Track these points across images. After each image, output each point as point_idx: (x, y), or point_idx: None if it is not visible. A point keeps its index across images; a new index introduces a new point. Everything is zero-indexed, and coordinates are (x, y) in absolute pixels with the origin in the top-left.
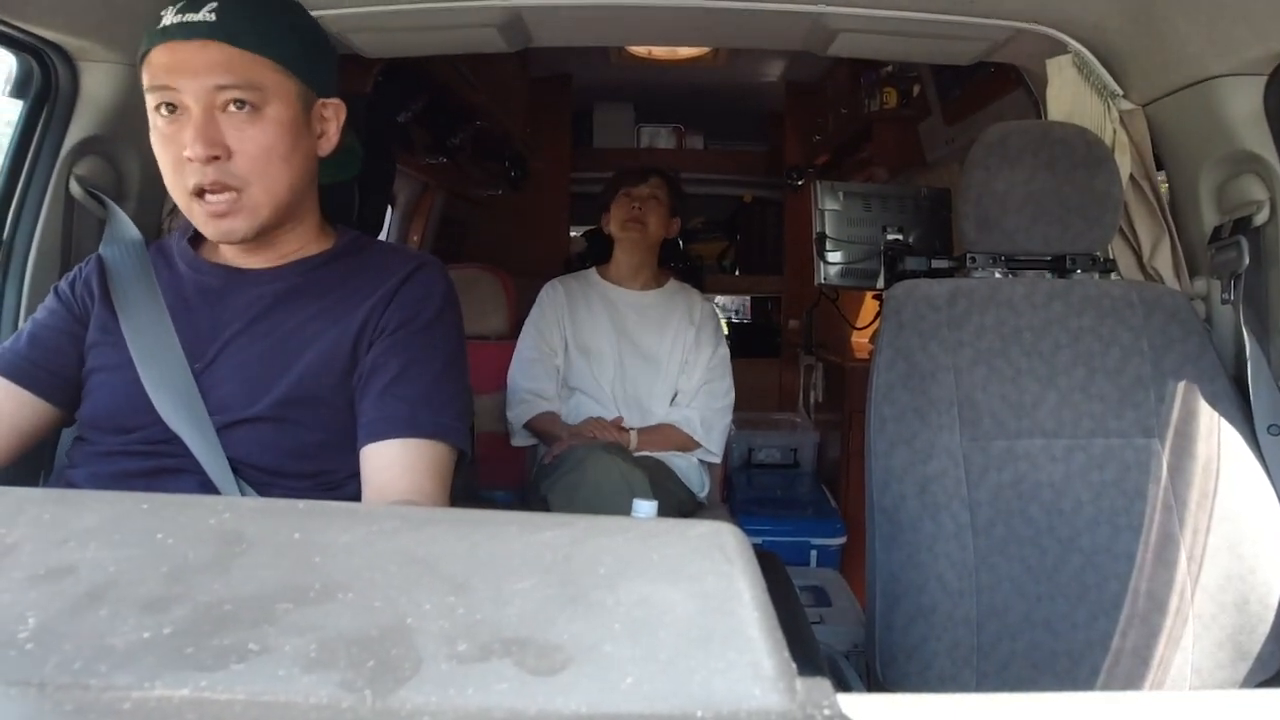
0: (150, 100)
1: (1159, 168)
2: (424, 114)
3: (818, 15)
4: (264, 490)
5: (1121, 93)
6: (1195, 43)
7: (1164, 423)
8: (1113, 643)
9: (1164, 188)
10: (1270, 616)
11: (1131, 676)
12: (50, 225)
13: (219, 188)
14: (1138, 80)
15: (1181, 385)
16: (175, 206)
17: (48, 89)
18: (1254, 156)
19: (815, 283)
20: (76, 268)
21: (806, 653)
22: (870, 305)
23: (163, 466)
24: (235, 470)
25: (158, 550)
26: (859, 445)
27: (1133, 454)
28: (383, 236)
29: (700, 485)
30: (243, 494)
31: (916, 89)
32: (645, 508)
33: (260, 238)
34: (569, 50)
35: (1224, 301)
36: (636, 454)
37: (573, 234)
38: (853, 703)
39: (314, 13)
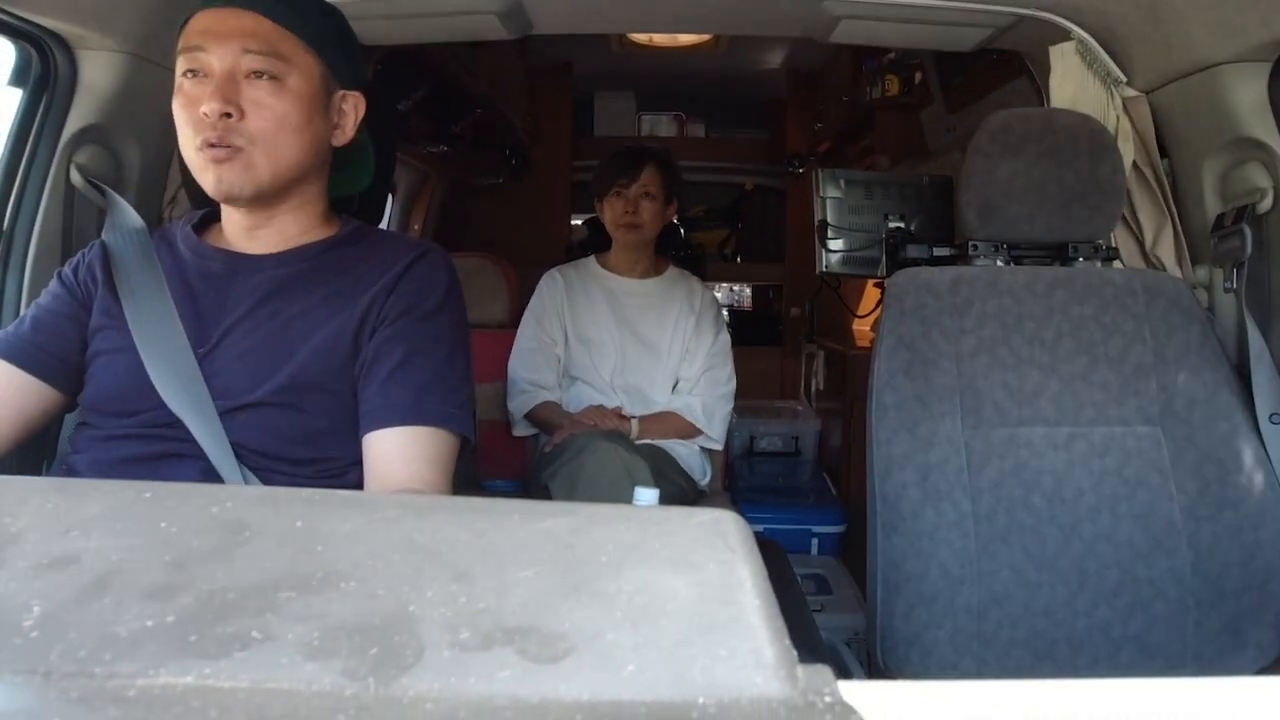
0: (180, 64)
1: (1162, 155)
2: (424, 102)
3: (820, 2)
4: (266, 476)
5: (1125, 80)
6: (1199, 29)
7: (1166, 411)
8: (1114, 630)
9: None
10: (1270, 603)
11: (1132, 663)
12: (50, 215)
13: (224, 144)
14: (1141, 67)
15: (1183, 373)
16: (175, 195)
17: (47, 77)
18: (1258, 144)
19: (817, 271)
20: (80, 253)
21: (808, 640)
22: (872, 293)
23: (165, 451)
24: (237, 455)
25: (161, 539)
26: (860, 433)
27: (1134, 442)
28: (383, 226)
29: (702, 473)
30: (245, 479)
31: (918, 76)
32: (647, 496)
33: (260, 207)
34: (570, 38)
35: (1226, 290)
36: (638, 442)
37: (574, 222)
38: (854, 690)
39: None
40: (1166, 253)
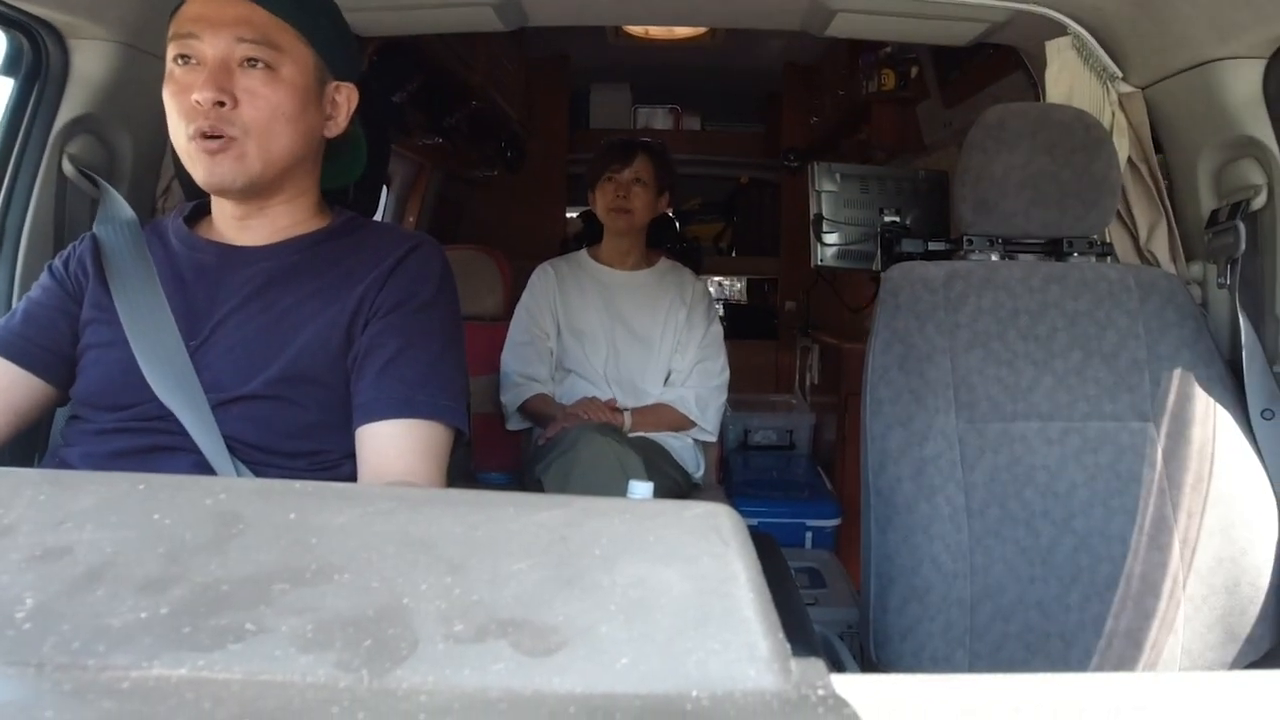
0: (170, 51)
1: (1157, 151)
2: (419, 94)
3: None
4: (258, 469)
5: (1121, 75)
6: (1195, 25)
7: (1159, 406)
8: (1105, 625)
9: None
10: (1260, 599)
11: (1123, 658)
12: (42, 205)
13: (217, 133)
14: (1137, 63)
15: (1177, 369)
16: (169, 186)
17: (38, 67)
18: (1252, 141)
19: (812, 264)
20: (71, 245)
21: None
22: (867, 287)
23: (157, 444)
24: (230, 449)
25: (155, 531)
26: (855, 427)
27: (1127, 437)
28: (378, 217)
29: (696, 466)
30: (237, 472)
31: (915, 71)
32: (641, 489)
33: (251, 198)
34: (566, 30)
35: (1220, 286)
36: (632, 435)
37: (569, 215)
38: (846, 683)
39: None
40: (1161, 249)
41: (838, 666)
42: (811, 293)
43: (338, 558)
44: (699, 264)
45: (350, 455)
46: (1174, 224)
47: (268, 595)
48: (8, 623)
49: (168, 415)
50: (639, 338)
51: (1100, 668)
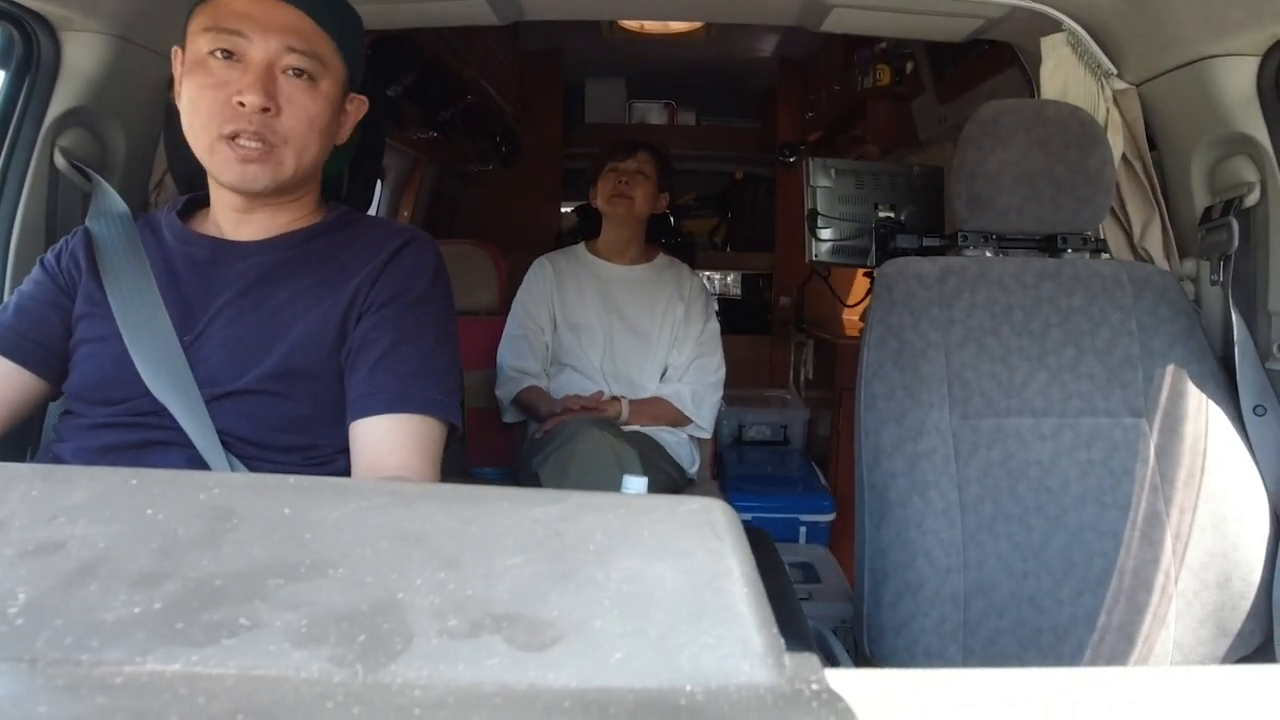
0: (205, 41)
1: (1151, 148)
2: (414, 88)
3: None
4: (252, 464)
5: (1115, 72)
6: (1189, 23)
7: (1152, 402)
8: (1098, 619)
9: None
10: (1252, 594)
11: (1115, 652)
12: (34, 198)
13: (258, 139)
14: (1132, 60)
15: (1169, 365)
16: (161, 180)
17: (29, 59)
18: (1246, 138)
19: (806, 260)
20: (63, 240)
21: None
22: (861, 283)
23: (150, 439)
24: (223, 443)
25: (148, 526)
26: (849, 422)
27: (1120, 433)
28: (372, 211)
29: (690, 461)
30: (231, 467)
31: (910, 66)
32: (635, 484)
33: (265, 199)
34: (560, 24)
35: (1213, 282)
36: (627, 430)
37: (564, 210)
38: (840, 677)
39: None
40: (1154, 245)
41: (832, 661)
42: (806, 288)
43: (332, 553)
44: (693, 259)
45: (344, 450)
46: (1167, 220)
47: (261, 590)
48: (0, 618)
49: (161, 410)
50: (636, 332)
51: (1093, 662)
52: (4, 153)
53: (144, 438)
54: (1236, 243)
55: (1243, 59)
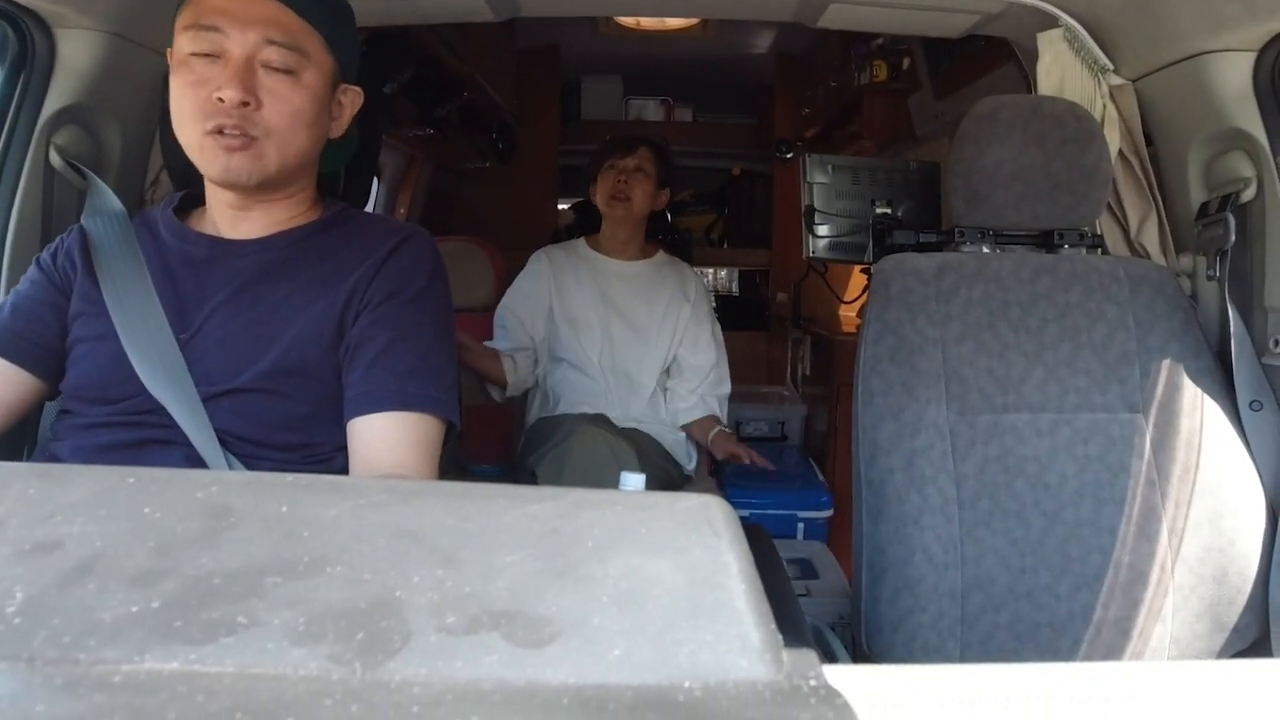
0: (186, 40)
1: (1147, 143)
2: (410, 85)
3: None
4: (250, 462)
5: (1112, 67)
6: (1186, 18)
7: (1148, 398)
8: (1094, 614)
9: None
10: (1248, 589)
11: (1112, 647)
12: (29, 197)
13: (238, 132)
14: (1128, 55)
15: (1166, 361)
16: (157, 178)
17: (24, 56)
18: (1242, 133)
19: (803, 256)
20: (58, 238)
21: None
22: (858, 279)
23: (148, 437)
24: (221, 442)
25: (145, 524)
26: (846, 418)
27: (1117, 429)
28: (369, 209)
29: (688, 458)
30: (229, 465)
31: (907, 62)
32: (633, 480)
33: (257, 195)
34: (557, 21)
35: (1209, 278)
36: (624, 426)
37: (561, 206)
38: (838, 674)
39: None
40: (1151, 241)
41: (829, 657)
42: (803, 284)
43: (330, 550)
44: (690, 255)
45: (342, 448)
46: (1164, 216)
47: (259, 588)
48: None
49: (158, 408)
50: (635, 328)
51: (1090, 657)
52: None
53: (141, 436)
54: (1233, 238)
55: (1239, 54)
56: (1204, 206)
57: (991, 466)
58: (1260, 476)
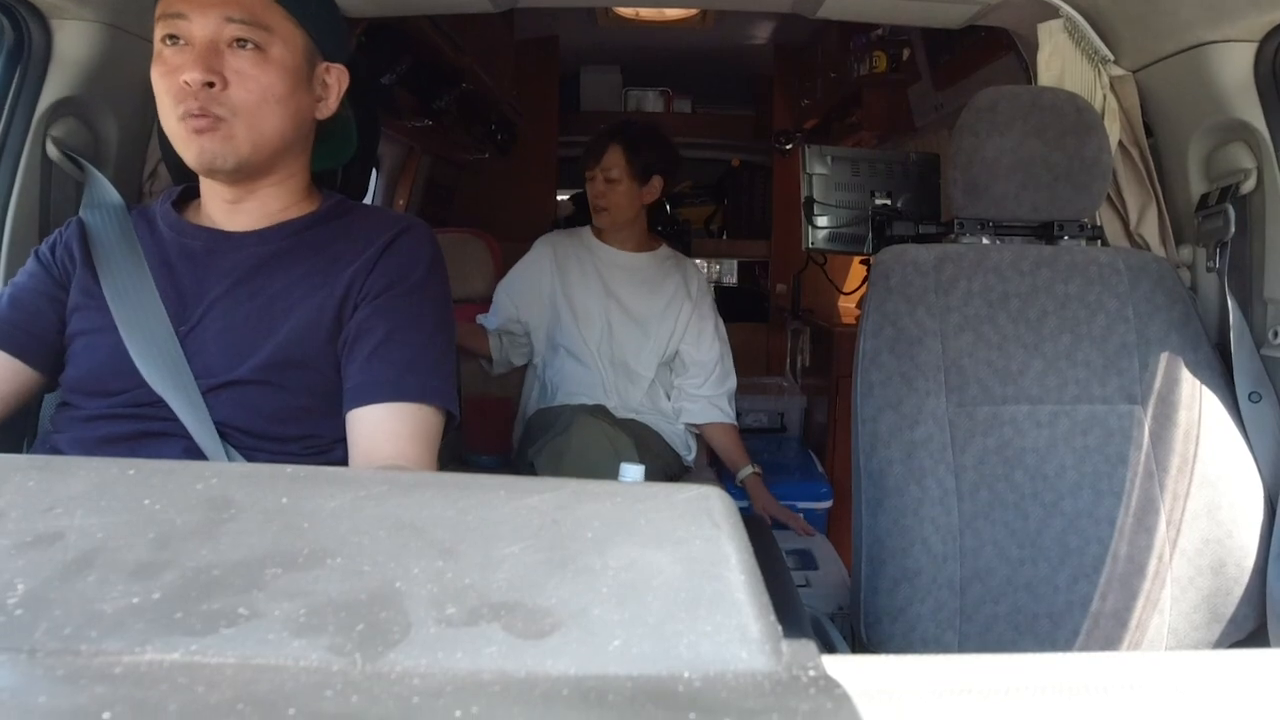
0: (158, 31)
1: (1148, 134)
2: (408, 76)
3: None
4: (250, 454)
5: (1112, 58)
6: (1186, 8)
7: (1147, 389)
8: (1093, 605)
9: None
10: (1246, 580)
11: (1110, 638)
12: (27, 189)
13: (206, 114)
14: (1129, 46)
15: (1165, 352)
16: (155, 170)
17: (20, 48)
18: (1243, 124)
19: (803, 247)
20: (56, 231)
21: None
22: (858, 270)
23: (148, 430)
24: (221, 434)
25: (145, 516)
26: (846, 410)
27: (1116, 420)
28: (368, 200)
29: (687, 449)
30: (229, 457)
31: (906, 53)
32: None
33: (241, 180)
34: (555, 12)
35: (1209, 269)
36: (623, 417)
37: (560, 197)
38: (837, 664)
39: None
40: (1151, 232)
41: (828, 648)
42: (802, 276)
43: (329, 542)
44: (688, 246)
45: (341, 439)
46: (1164, 207)
47: (260, 580)
48: None
49: (158, 401)
50: (635, 319)
51: (1088, 648)
52: None
53: (141, 429)
54: (1233, 229)
55: (1240, 45)
56: (1204, 198)
57: (991, 458)
58: (1259, 468)
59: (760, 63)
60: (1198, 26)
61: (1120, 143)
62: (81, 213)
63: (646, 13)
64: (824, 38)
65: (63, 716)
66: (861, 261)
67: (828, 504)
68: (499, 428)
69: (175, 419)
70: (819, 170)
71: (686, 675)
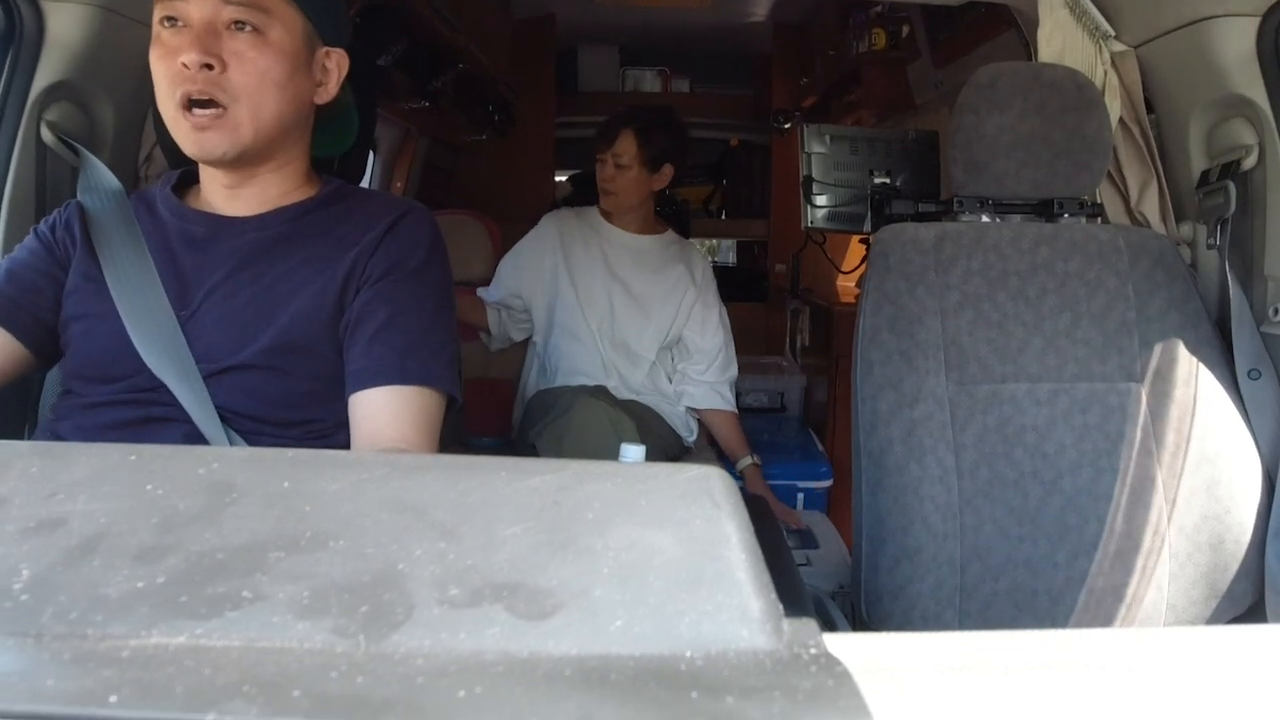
0: (156, 13)
1: (1149, 111)
2: (404, 57)
3: None
4: (252, 439)
5: (1113, 34)
6: None
7: (1146, 367)
8: (1092, 582)
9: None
10: (1243, 555)
11: (1109, 615)
12: (22, 174)
13: (205, 97)
14: (1130, 21)
15: (1165, 330)
16: (150, 154)
17: (13, 31)
18: (1244, 100)
19: (802, 226)
20: (56, 211)
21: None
22: (857, 249)
23: (150, 415)
24: (223, 419)
25: (148, 501)
26: (845, 389)
27: (1115, 398)
28: (365, 184)
29: (688, 429)
30: (231, 443)
31: (906, 30)
32: (633, 452)
33: (241, 167)
34: None
35: (1210, 246)
36: (624, 398)
37: (559, 178)
38: (838, 642)
39: None
40: (1151, 209)
41: (829, 626)
42: (801, 255)
43: (332, 525)
44: (687, 227)
45: (343, 424)
46: (1164, 184)
47: (263, 563)
48: (5, 594)
49: (160, 386)
50: (637, 301)
51: (1087, 624)
52: None
53: (143, 414)
54: (1234, 206)
55: (1242, 20)
56: (1205, 174)
57: (990, 436)
58: (1257, 444)
59: (759, 41)
60: (1199, 1)
61: (1121, 119)
62: (79, 197)
63: None
64: (822, 15)
65: (70, 699)
66: (861, 240)
67: (828, 483)
68: (499, 409)
69: (177, 404)
70: (818, 149)
71: (688, 654)
